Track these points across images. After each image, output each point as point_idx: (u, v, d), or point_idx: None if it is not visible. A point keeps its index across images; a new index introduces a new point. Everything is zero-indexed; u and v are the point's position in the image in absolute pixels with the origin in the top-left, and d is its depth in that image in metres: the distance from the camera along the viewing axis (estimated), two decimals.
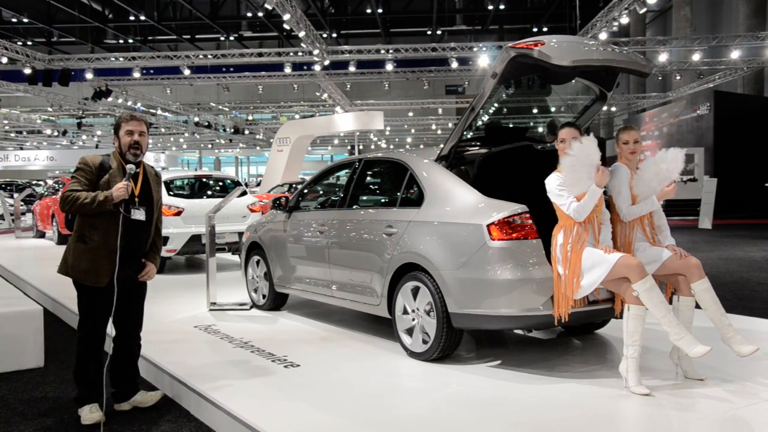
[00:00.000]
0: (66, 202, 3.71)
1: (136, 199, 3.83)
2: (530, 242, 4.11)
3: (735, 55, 22.13)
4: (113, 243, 3.70)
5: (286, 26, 20.59)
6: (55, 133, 42.81)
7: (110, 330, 3.86)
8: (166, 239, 8.73)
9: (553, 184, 4.02)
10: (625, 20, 19.34)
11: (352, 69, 23.58)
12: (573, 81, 4.89)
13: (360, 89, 39.14)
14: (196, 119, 37.34)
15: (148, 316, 6.16)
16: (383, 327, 5.46)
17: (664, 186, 4.10)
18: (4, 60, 21.08)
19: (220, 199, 8.11)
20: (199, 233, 8.79)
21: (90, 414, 3.73)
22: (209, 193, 10.42)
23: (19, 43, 28.26)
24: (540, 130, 5.42)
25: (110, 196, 3.66)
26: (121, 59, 24.25)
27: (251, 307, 6.57)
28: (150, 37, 37.11)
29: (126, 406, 3.96)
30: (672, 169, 4.09)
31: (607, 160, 6.88)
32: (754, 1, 24.48)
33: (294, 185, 18.51)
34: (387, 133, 45.58)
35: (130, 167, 3.78)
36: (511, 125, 5.74)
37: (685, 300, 3.98)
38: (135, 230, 3.81)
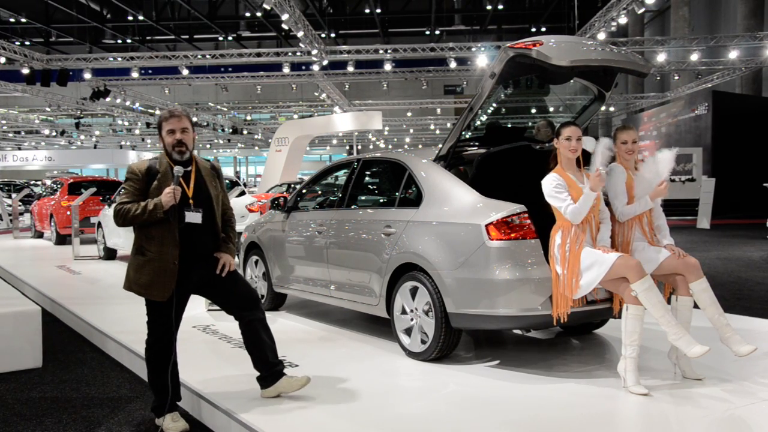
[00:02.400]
0: (118, 215, 3.53)
1: (191, 201, 3.59)
2: (529, 242, 4.11)
3: (733, 55, 22.15)
4: (171, 253, 3.50)
5: (284, 26, 20.57)
6: (54, 133, 42.78)
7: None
8: None
9: (549, 185, 4.01)
10: (623, 20, 19.36)
11: (350, 69, 23.59)
12: (571, 81, 4.89)
13: (358, 89, 39.14)
14: (195, 119, 37.33)
15: (146, 316, 6.18)
16: (382, 327, 5.46)
17: (656, 185, 4.11)
18: (2, 60, 21.06)
19: None
20: None
21: (173, 423, 3.57)
22: None
23: (17, 43, 28.22)
24: (533, 131, 5.41)
25: (159, 204, 3.44)
26: (120, 59, 24.23)
27: None
28: (148, 37, 37.07)
29: (271, 393, 3.78)
30: (661, 169, 4.11)
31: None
32: (753, 1, 24.50)
33: (292, 185, 18.51)
34: (385, 133, 45.58)
35: (178, 169, 3.53)
36: (509, 125, 5.74)
37: (683, 300, 3.99)
38: (195, 234, 3.59)
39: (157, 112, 35.66)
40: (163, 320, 3.60)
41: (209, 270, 3.67)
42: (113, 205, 3.61)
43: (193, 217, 3.57)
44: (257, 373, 3.84)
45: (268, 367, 3.80)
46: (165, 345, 3.62)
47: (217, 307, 6.46)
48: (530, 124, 5.78)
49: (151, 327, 3.63)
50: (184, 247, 3.54)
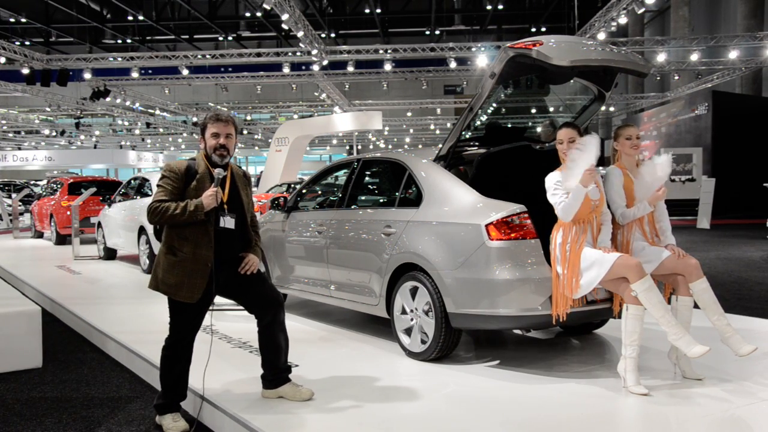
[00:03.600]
0: (155, 213, 3.47)
1: (225, 206, 3.59)
2: (529, 242, 4.11)
3: (733, 55, 22.16)
4: (205, 255, 3.49)
5: (284, 26, 20.58)
6: (54, 133, 42.79)
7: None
8: None
9: (551, 181, 4.02)
10: (623, 20, 19.37)
11: (350, 69, 23.60)
12: (571, 81, 4.89)
13: (358, 89, 39.14)
14: (195, 119, 37.31)
15: (146, 316, 6.20)
16: (382, 327, 5.46)
17: (654, 190, 4.12)
18: (2, 60, 21.06)
19: None
20: None
21: (174, 423, 3.57)
22: None
23: (17, 43, 28.23)
24: (538, 130, 5.41)
25: (201, 205, 3.44)
26: (120, 59, 24.24)
27: None
28: (148, 37, 37.08)
29: (272, 395, 3.79)
30: (659, 174, 4.13)
31: (604, 161, 6.91)
32: (753, 1, 24.51)
33: (292, 185, 18.51)
34: (385, 133, 45.58)
35: (218, 171, 3.52)
36: (509, 125, 5.74)
37: (683, 300, 3.99)
38: (226, 239, 3.59)
39: (158, 112, 35.71)
40: (186, 321, 3.60)
41: (235, 271, 3.68)
42: (149, 202, 3.56)
43: (228, 222, 3.59)
44: (260, 372, 3.84)
45: (276, 371, 3.80)
46: (185, 346, 3.63)
47: (218, 307, 6.48)
48: (530, 124, 5.78)
49: (174, 328, 3.63)
50: (216, 250, 3.54)
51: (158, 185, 3.59)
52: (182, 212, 3.45)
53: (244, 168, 3.96)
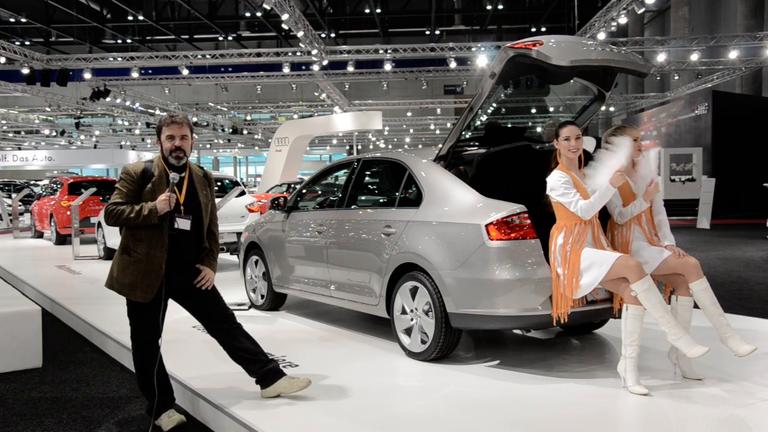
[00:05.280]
0: (110, 216, 3.54)
1: (182, 208, 3.61)
2: (529, 242, 4.11)
3: (733, 55, 22.16)
4: (158, 256, 3.53)
5: (284, 26, 20.59)
6: (54, 133, 42.79)
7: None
8: None
9: (557, 182, 3.99)
10: (623, 20, 19.38)
11: (350, 69, 23.61)
12: (571, 81, 4.89)
13: (358, 89, 39.14)
14: (195, 119, 37.33)
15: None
16: (382, 327, 5.46)
17: (646, 185, 4.13)
18: (2, 60, 21.08)
19: (219, 200, 8.10)
20: None
21: (169, 419, 3.63)
22: None
23: (17, 42, 28.26)
24: (538, 130, 5.41)
25: (154, 209, 3.47)
26: (120, 59, 24.25)
27: (250, 308, 6.57)
28: (148, 37, 37.08)
29: (270, 393, 3.78)
30: (645, 169, 4.16)
31: None
32: (753, 1, 24.50)
33: (292, 185, 18.51)
34: (385, 133, 45.59)
35: (173, 176, 3.54)
36: (509, 125, 5.74)
37: (683, 300, 3.99)
38: (182, 240, 3.61)
39: (158, 112, 35.68)
40: (145, 323, 3.62)
41: (189, 278, 3.69)
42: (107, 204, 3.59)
43: (183, 223, 3.60)
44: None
45: (260, 366, 3.80)
46: (150, 350, 3.65)
47: None
48: (530, 124, 5.78)
49: (135, 330, 3.66)
50: (170, 252, 3.57)
51: (115, 187, 3.63)
52: (136, 216, 3.48)
53: (205, 168, 3.95)
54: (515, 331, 5.22)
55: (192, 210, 3.67)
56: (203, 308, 3.78)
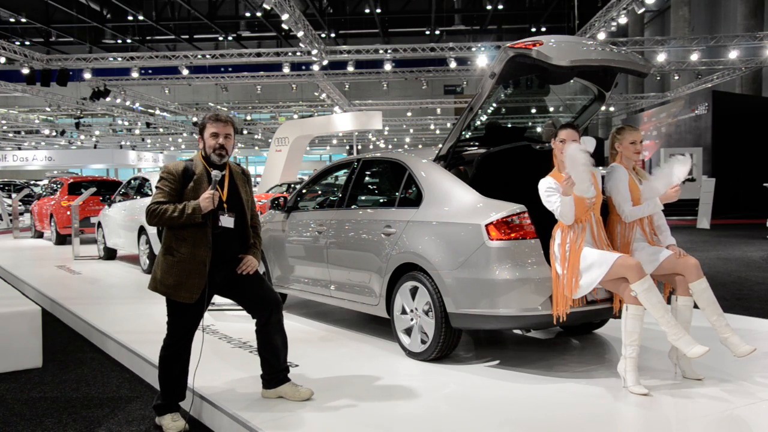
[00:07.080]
0: (153, 215, 3.50)
1: (225, 205, 3.60)
2: (529, 242, 4.11)
3: (733, 55, 22.16)
4: (203, 255, 3.52)
5: (284, 26, 20.58)
6: (54, 133, 42.78)
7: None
8: None
9: (541, 189, 4.03)
10: (623, 20, 19.37)
11: (350, 69, 23.61)
12: (571, 81, 4.89)
13: (358, 89, 39.15)
14: (195, 119, 37.33)
15: (146, 316, 6.20)
16: (382, 327, 5.46)
17: (669, 189, 4.11)
18: (2, 60, 21.07)
19: None
20: None
21: (173, 423, 3.58)
22: None
23: (17, 42, 28.26)
24: (538, 130, 5.41)
25: (198, 208, 3.45)
26: (120, 59, 24.24)
27: None
28: (148, 37, 37.09)
29: (271, 395, 3.78)
30: (677, 173, 4.11)
31: (604, 161, 6.89)
32: (753, 1, 24.51)
33: (292, 185, 18.51)
34: (385, 133, 45.59)
35: (215, 173, 3.53)
36: (509, 125, 5.74)
37: (683, 300, 3.99)
38: (225, 238, 3.61)
39: (158, 112, 35.71)
40: (185, 322, 3.61)
41: (232, 271, 3.69)
42: (148, 203, 3.58)
43: (227, 221, 3.60)
44: (260, 372, 3.84)
45: (275, 371, 3.81)
46: (183, 346, 3.64)
47: (218, 307, 6.49)
48: (530, 124, 5.78)
49: (172, 328, 3.63)
50: (214, 250, 3.56)
51: (156, 187, 3.60)
52: (180, 215, 3.46)
53: (243, 166, 3.94)
54: (515, 331, 5.22)
55: (234, 207, 3.67)
56: (251, 293, 3.73)
